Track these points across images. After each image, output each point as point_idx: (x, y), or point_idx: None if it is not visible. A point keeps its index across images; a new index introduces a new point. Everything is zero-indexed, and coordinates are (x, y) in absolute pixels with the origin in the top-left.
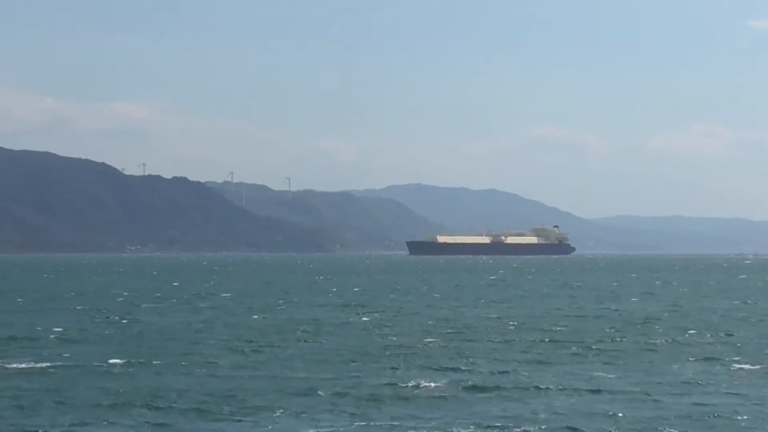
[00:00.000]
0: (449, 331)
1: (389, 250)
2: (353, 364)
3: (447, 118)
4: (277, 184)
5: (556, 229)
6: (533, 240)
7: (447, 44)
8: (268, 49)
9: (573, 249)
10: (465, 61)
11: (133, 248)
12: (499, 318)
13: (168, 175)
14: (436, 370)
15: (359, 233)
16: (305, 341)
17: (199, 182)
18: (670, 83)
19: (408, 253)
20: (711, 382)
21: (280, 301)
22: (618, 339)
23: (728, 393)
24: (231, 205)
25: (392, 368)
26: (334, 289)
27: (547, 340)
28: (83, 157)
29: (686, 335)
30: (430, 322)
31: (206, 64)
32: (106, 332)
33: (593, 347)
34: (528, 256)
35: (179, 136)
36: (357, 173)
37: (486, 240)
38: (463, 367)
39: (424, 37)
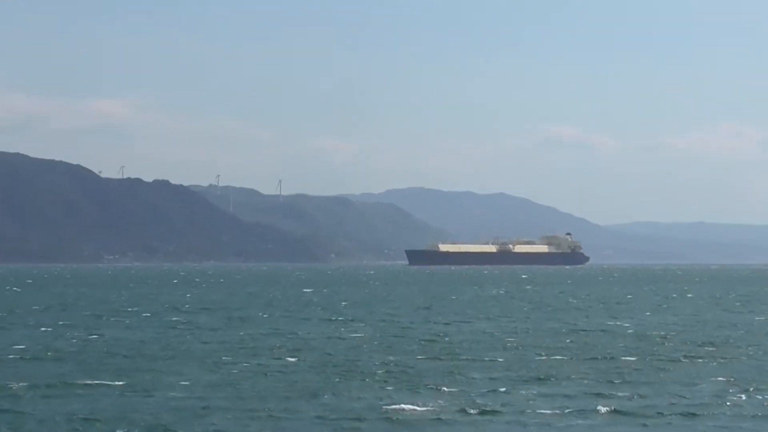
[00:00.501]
0: (442, 347)
1: (389, 259)
2: (337, 383)
3: (450, 118)
4: (267, 188)
5: (568, 236)
6: (543, 249)
7: (449, 41)
8: (259, 43)
9: (587, 258)
10: (468, 58)
11: (110, 258)
12: (497, 334)
13: (149, 178)
14: (427, 390)
15: (356, 241)
16: (286, 358)
17: (182, 186)
18: (694, 79)
19: (407, 263)
20: (728, 403)
21: (262, 315)
22: (626, 356)
23: (754, 416)
24: (217, 211)
25: (380, 388)
26: (321, 303)
27: (549, 357)
28: (57, 158)
29: (701, 352)
30: (422, 339)
31: (191, 57)
32: (71, 350)
33: (599, 365)
34: (537, 266)
35: (161, 136)
36: (354, 176)
37: (492, 249)
38: (456, 387)
39: (426, 34)
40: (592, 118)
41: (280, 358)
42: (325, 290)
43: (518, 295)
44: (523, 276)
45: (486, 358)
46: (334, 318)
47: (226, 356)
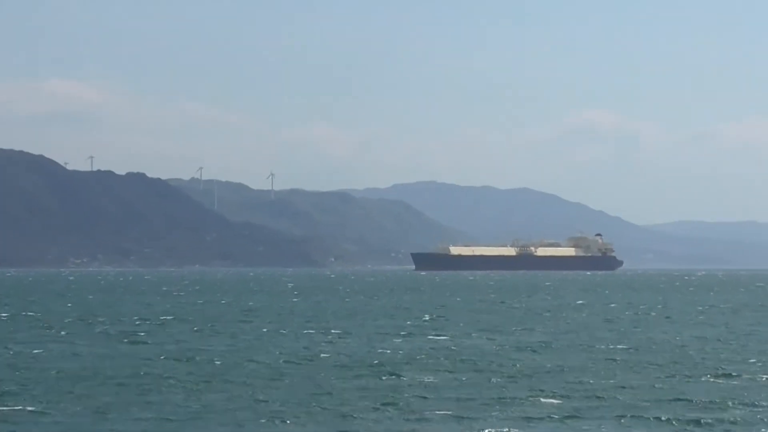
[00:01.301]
0: (441, 361)
1: (396, 263)
2: (324, 406)
3: (467, 103)
4: (257, 183)
5: (598, 238)
6: (570, 252)
7: (467, 14)
8: (246, 19)
9: (620, 263)
10: (489, 34)
11: (78, 261)
12: (497, 348)
13: (121, 171)
14: (424, 420)
15: (359, 243)
16: (262, 378)
17: (160, 180)
18: (752, 57)
19: (414, 267)
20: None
21: (234, 329)
22: (647, 379)
23: None
24: (200, 209)
25: (373, 411)
26: (308, 313)
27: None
28: (16, 148)
29: (735, 371)
30: (418, 356)
31: (170, 34)
32: (5, 371)
33: (613, 391)
34: (563, 272)
35: (135, 123)
36: (356, 169)
37: (511, 251)
38: (453, 412)
39: (441, 5)
40: (630, 102)
41: (256, 377)
42: (316, 297)
43: (523, 305)
44: (547, 283)
45: (486, 377)
46: (319, 330)
47: (193, 374)
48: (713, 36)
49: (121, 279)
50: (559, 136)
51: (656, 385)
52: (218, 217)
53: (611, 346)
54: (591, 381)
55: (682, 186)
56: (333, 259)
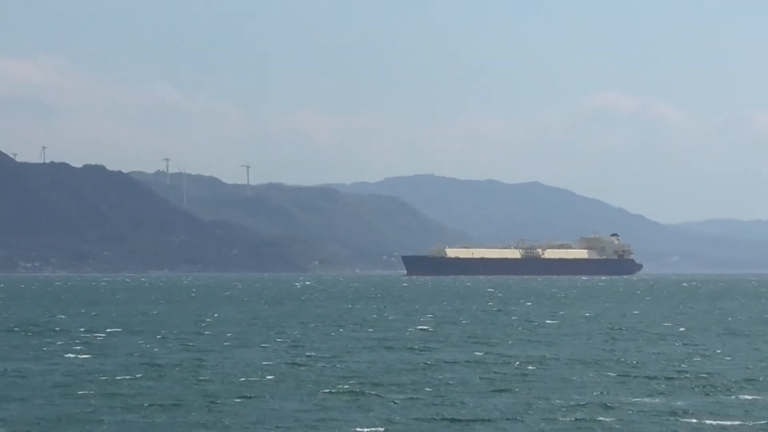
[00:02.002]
0: (418, 375)
1: (389, 268)
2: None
3: (469, 86)
4: (231, 176)
5: (614, 238)
6: (582, 254)
7: None
8: None
9: (639, 266)
10: (492, 10)
11: (28, 266)
12: (473, 363)
13: (78, 163)
14: None
15: (346, 245)
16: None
17: (121, 173)
18: None
19: (405, 272)
20: None
21: (172, 341)
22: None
23: None
24: (166, 206)
25: None
26: (269, 325)
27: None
28: None
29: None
30: (387, 372)
31: (134, 9)
32: None
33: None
34: (574, 277)
35: (95, 109)
36: (343, 161)
37: (516, 254)
38: None
39: None
40: (653, 85)
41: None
42: (284, 306)
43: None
44: (553, 290)
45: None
46: (281, 346)
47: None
48: (743, 8)
49: (70, 284)
50: (572, 123)
51: None
52: (187, 216)
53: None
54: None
55: (714, 179)
56: (317, 263)
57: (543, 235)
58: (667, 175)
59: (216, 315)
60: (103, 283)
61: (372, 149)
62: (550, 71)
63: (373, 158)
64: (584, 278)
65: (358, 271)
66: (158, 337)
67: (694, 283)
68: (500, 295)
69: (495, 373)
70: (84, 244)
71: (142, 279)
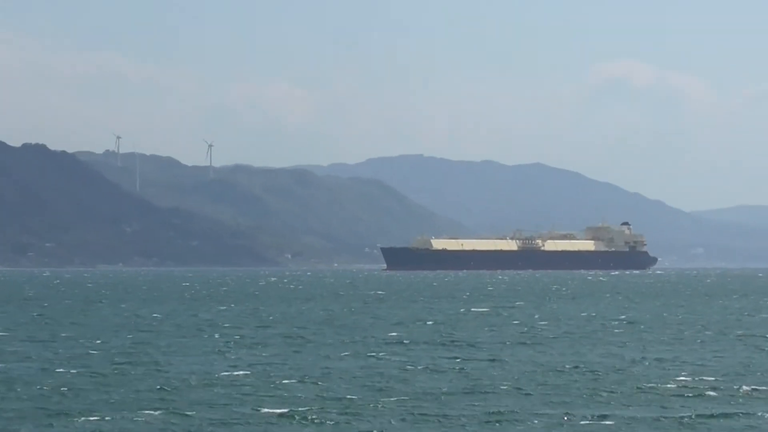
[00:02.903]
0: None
1: (371, 261)
2: None
3: (463, 52)
4: (190, 156)
5: (625, 228)
6: (588, 246)
7: None
8: None
9: (653, 260)
10: None
11: None
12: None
13: (15, 142)
14: None
15: (323, 235)
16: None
17: (65, 153)
18: None
19: (385, 266)
20: None
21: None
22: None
23: None
24: (117, 191)
25: None
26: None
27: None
28: None
29: None
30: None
31: None
32: None
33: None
34: (578, 272)
35: (35, 80)
36: (319, 139)
37: (512, 245)
38: None
39: None
40: (672, 53)
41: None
42: (230, 309)
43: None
44: (554, 287)
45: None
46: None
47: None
48: None
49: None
50: (581, 96)
51: None
52: (141, 202)
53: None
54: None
55: (742, 161)
56: (289, 257)
57: (548, 225)
58: (689, 156)
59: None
60: (24, 279)
61: (351, 125)
62: (556, 36)
63: (352, 136)
64: (590, 273)
65: (336, 265)
66: None
67: (710, 280)
68: (467, 295)
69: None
70: (23, 235)
71: (85, 275)
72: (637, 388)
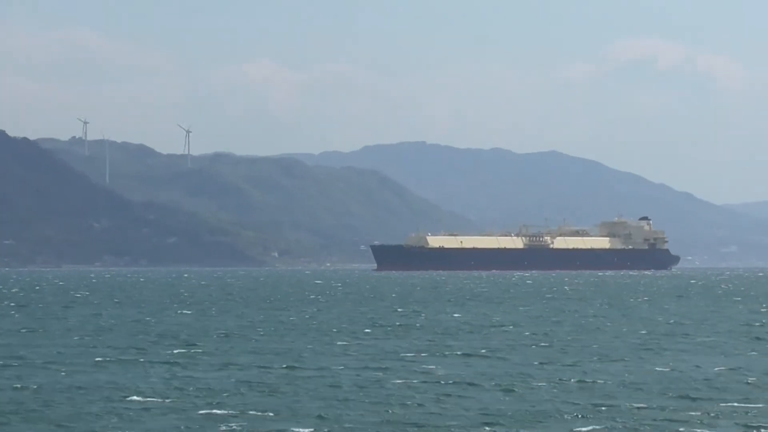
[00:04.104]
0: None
1: (367, 260)
2: None
3: (470, 28)
4: (165, 144)
5: (644, 223)
6: (602, 243)
7: None
8: None
9: (675, 259)
10: None
11: None
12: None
13: None
14: None
15: (313, 231)
16: None
17: (26, 140)
18: None
19: (375, 266)
20: None
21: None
22: None
23: None
24: (84, 182)
25: None
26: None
27: None
28: None
29: None
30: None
31: None
32: None
33: None
34: (592, 272)
35: None
36: (308, 125)
37: (517, 243)
38: None
39: None
40: (701, 31)
41: None
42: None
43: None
44: (554, 288)
45: None
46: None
47: None
48: None
49: None
50: (601, 77)
51: None
52: (111, 195)
53: None
54: None
55: None
56: (276, 255)
57: (564, 219)
58: (720, 144)
59: None
60: None
61: (345, 110)
62: (572, 12)
63: (346, 122)
64: (607, 273)
65: (328, 264)
66: None
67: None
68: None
69: None
70: None
71: (48, 276)
72: None
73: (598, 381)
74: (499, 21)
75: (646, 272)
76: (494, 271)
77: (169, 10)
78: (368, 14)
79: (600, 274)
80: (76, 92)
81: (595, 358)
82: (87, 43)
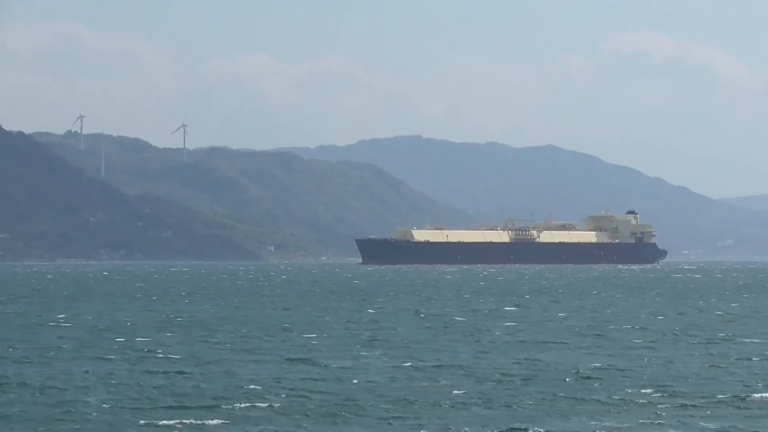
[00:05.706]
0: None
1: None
2: None
3: (465, 22)
4: (161, 138)
5: (630, 217)
6: (588, 237)
7: None
8: None
9: (662, 253)
10: None
11: None
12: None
13: None
14: None
15: (309, 225)
16: None
17: (21, 134)
18: None
19: (360, 260)
20: None
21: None
22: None
23: None
24: (80, 176)
25: None
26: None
27: None
28: None
29: None
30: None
31: None
32: None
33: None
34: (577, 266)
35: None
36: (304, 119)
37: (503, 237)
38: None
39: None
40: (698, 25)
41: None
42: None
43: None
44: (543, 282)
45: None
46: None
47: None
48: None
49: None
50: (597, 71)
51: None
52: (106, 189)
53: None
54: None
55: None
56: (271, 249)
57: (551, 213)
58: (716, 138)
59: None
60: None
61: (341, 104)
62: (568, 6)
63: (342, 115)
64: (594, 267)
65: (324, 258)
66: None
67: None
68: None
69: None
70: None
71: (36, 269)
72: None
73: None
74: (494, 15)
75: (633, 267)
76: (480, 265)
77: (164, 4)
78: (364, 7)
79: (581, 266)
80: (70, 85)
81: None
82: (81, 37)
